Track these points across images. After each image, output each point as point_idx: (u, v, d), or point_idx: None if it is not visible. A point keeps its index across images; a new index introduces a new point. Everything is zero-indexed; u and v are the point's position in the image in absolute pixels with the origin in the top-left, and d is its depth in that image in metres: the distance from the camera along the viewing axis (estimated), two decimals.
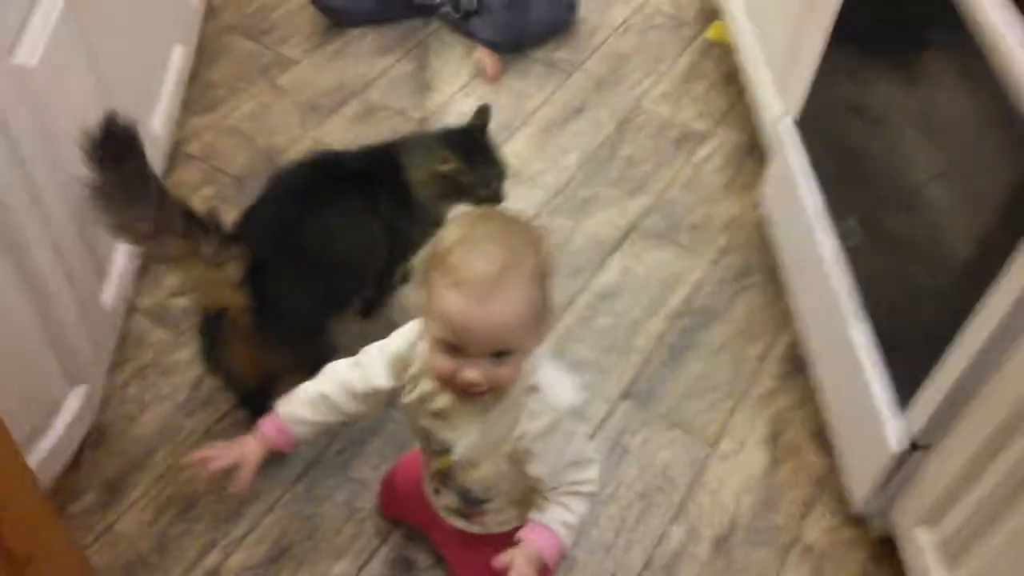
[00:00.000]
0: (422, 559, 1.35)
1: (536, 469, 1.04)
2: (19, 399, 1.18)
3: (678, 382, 1.57)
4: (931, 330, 1.17)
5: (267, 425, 1.13)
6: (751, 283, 1.72)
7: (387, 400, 1.12)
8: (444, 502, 1.19)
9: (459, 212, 1.39)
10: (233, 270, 1.22)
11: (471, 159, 1.43)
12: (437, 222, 1.36)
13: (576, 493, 1.08)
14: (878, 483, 1.28)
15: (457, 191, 1.43)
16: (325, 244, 1.33)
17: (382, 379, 1.09)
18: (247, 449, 1.11)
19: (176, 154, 1.86)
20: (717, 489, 1.45)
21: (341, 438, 1.46)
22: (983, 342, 1.05)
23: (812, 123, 1.56)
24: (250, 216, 1.35)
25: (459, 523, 1.20)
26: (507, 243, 0.96)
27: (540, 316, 0.98)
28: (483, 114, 1.48)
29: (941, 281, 1.19)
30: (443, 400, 1.05)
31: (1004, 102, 1.00)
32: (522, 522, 1.14)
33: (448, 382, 0.98)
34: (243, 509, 1.38)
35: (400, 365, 1.09)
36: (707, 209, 1.85)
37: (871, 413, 1.28)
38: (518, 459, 1.05)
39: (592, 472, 1.09)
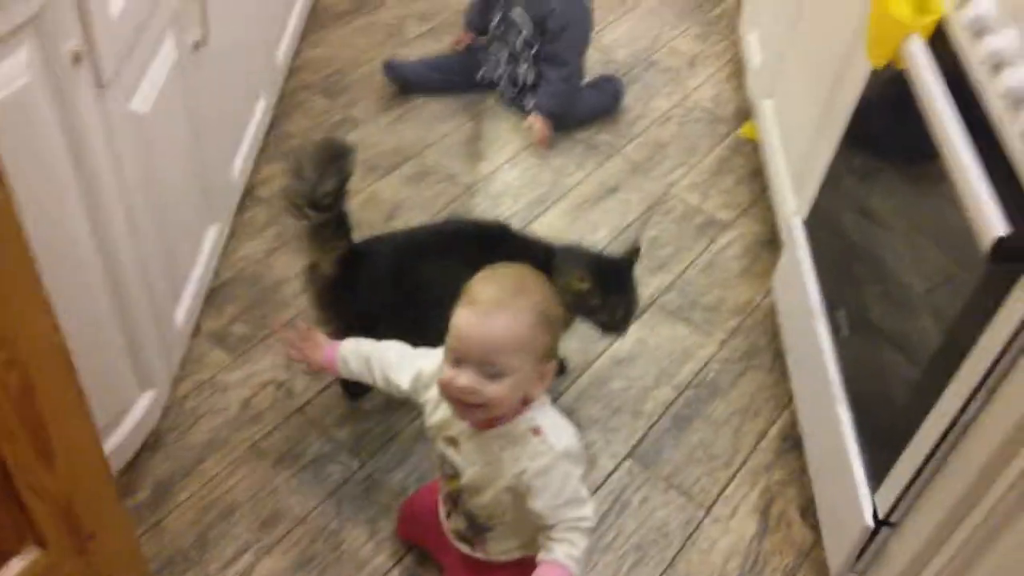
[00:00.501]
0: None
1: (535, 504, 1.19)
2: (98, 396, 1.35)
3: (680, 448, 1.71)
4: (903, 416, 1.31)
5: (328, 349, 1.37)
6: (757, 364, 1.86)
7: (403, 395, 1.32)
8: (453, 525, 1.34)
9: None
10: (333, 262, 1.51)
11: (606, 287, 1.56)
12: None
13: (577, 528, 1.21)
14: (851, 556, 1.41)
15: (584, 309, 1.57)
16: (432, 284, 1.43)
17: (405, 382, 1.29)
18: (313, 354, 1.38)
19: (249, 195, 2.06)
20: (708, 549, 1.58)
21: (370, 466, 1.62)
22: (942, 431, 1.20)
23: (818, 222, 1.73)
24: (407, 234, 1.63)
25: (464, 548, 1.34)
26: (520, 280, 1.16)
27: (540, 352, 1.14)
28: (635, 253, 1.62)
29: (914, 373, 1.33)
30: (458, 428, 1.22)
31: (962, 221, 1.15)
32: (523, 555, 1.29)
33: (449, 395, 1.15)
34: (277, 518, 1.54)
35: (419, 381, 1.27)
36: (722, 292, 2.01)
37: (849, 490, 1.41)
38: (519, 493, 1.19)
39: (588, 509, 1.22)
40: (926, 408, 1.23)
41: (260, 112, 2.08)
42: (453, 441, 1.24)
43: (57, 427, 1.10)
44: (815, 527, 1.58)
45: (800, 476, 1.67)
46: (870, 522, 1.35)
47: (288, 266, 1.94)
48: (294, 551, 1.50)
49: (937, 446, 1.21)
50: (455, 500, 1.30)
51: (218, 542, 1.50)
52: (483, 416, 1.16)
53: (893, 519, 1.33)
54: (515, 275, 1.17)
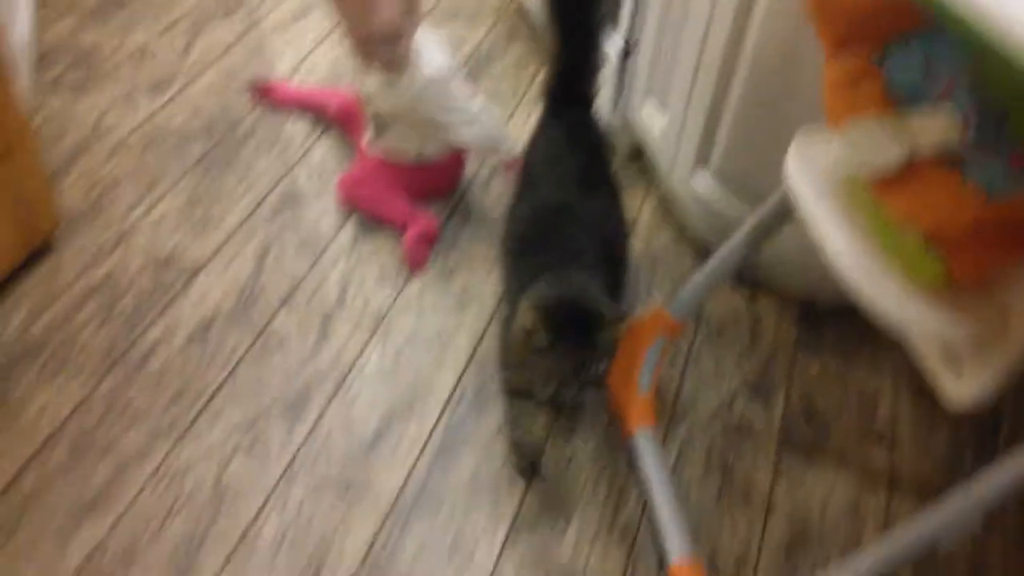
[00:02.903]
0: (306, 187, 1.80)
1: (431, 118, 1.66)
2: None
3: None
4: None
5: None
6: (520, 36, 2.29)
7: None
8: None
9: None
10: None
11: (559, 332, 1.16)
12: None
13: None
14: (614, 90, 1.86)
15: (530, 350, 1.19)
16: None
17: None
18: None
19: None
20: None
21: (225, 141, 1.89)
22: None
23: None
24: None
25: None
26: None
27: None
28: (620, 319, 1.18)
29: None
30: None
31: None
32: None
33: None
34: (158, 181, 1.78)
35: None
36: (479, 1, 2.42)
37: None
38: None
39: (471, 107, 1.67)
40: None
41: None
42: None
43: None
44: None
45: None
46: (617, 52, 1.81)
47: (99, 33, 2.13)
48: (182, 195, 1.75)
49: None
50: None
51: (112, 204, 1.72)
52: None
53: (631, 39, 1.79)
54: None
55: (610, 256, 1.37)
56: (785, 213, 1.26)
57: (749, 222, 1.31)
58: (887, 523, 1.36)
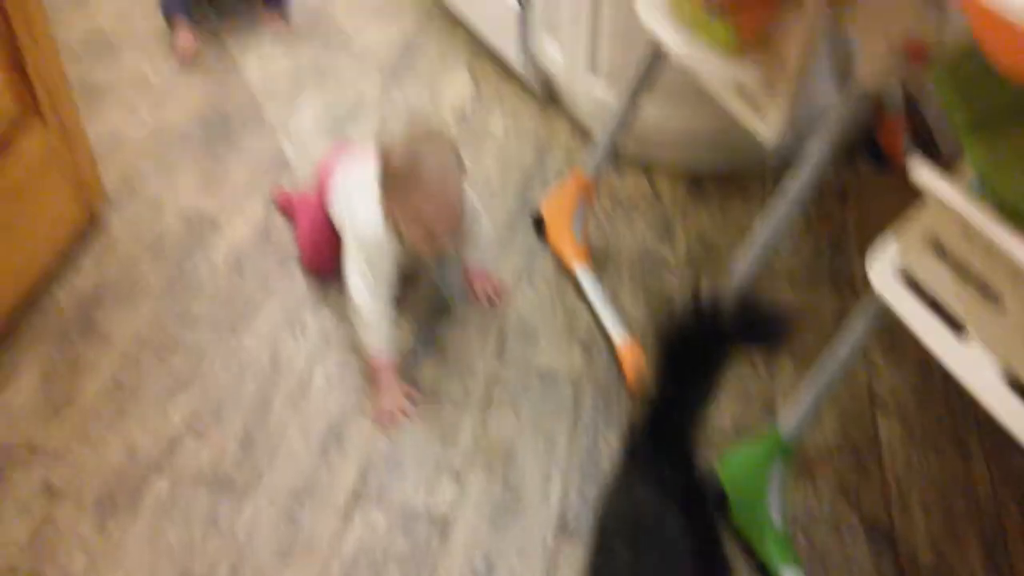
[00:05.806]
0: None
1: None
2: None
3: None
4: None
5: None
6: (432, 28, 2.76)
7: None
8: None
9: None
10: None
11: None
12: None
13: None
14: (520, 47, 2.34)
15: None
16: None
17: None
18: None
19: None
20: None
21: None
22: None
23: None
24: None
25: None
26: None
27: None
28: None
29: None
30: None
31: None
32: None
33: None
34: (175, 165, 2.21)
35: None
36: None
37: (501, 10, 2.35)
38: None
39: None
40: None
41: None
42: None
43: None
44: (503, 67, 2.51)
45: (487, 57, 2.59)
46: (516, 7, 2.29)
47: None
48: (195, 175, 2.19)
49: None
50: None
51: (143, 187, 2.15)
52: None
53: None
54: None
55: None
56: (653, 66, 1.73)
57: (629, 83, 1.79)
58: None
